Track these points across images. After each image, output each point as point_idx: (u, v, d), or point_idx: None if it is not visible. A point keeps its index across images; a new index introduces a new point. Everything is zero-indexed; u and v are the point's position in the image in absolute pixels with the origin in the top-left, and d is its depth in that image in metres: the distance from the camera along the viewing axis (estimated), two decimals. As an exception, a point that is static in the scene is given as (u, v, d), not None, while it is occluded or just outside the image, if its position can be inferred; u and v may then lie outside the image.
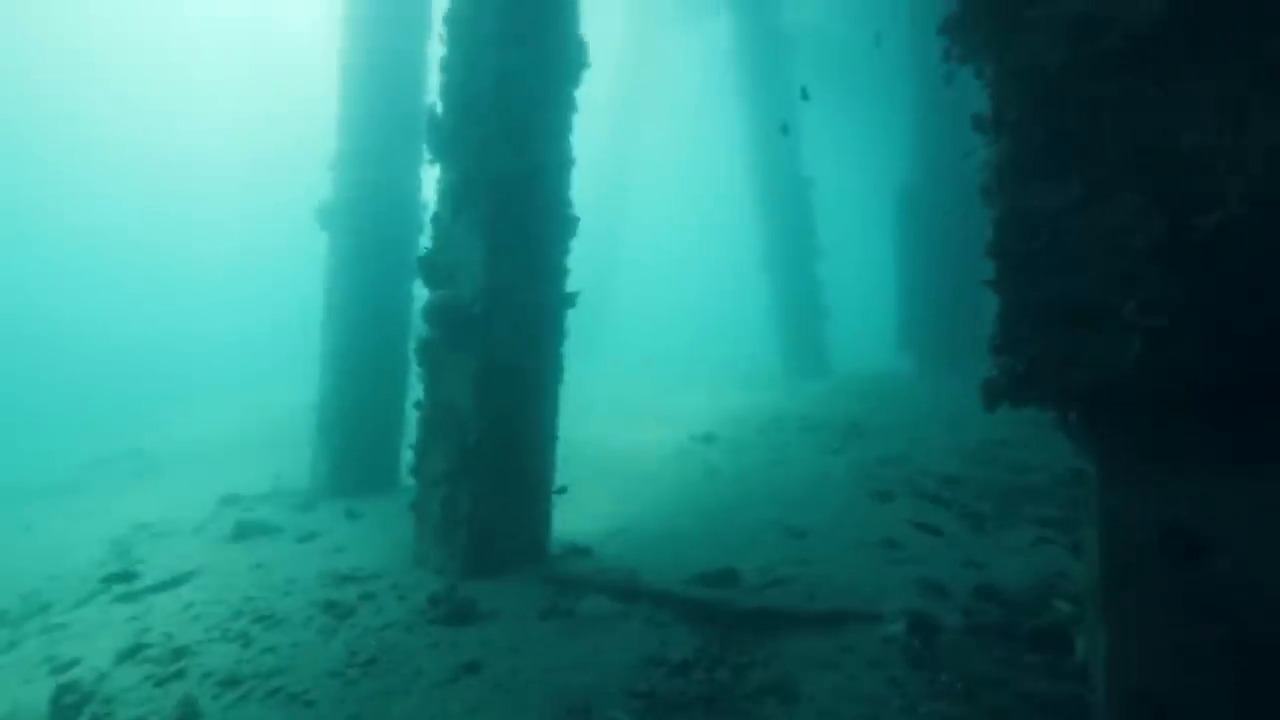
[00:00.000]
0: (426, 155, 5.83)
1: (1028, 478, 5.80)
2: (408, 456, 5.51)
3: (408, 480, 5.60)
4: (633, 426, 9.86)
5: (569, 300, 5.86)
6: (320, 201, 8.38)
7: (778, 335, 16.05)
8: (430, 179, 6.50)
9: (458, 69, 5.51)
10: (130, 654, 3.70)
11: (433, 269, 5.68)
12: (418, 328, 5.43)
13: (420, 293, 6.03)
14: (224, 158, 38.99)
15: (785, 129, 9.75)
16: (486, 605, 4.02)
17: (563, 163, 5.89)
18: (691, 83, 21.44)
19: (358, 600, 4.25)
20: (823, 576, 4.14)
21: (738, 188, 17.54)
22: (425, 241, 5.99)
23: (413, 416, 5.67)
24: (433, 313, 5.15)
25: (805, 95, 8.71)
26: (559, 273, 5.75)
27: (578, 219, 5.99)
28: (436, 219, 5.85)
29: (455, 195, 5.64)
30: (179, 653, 3.64)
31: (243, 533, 5.46)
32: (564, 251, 5.85)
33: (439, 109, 5.66)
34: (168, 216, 40.54)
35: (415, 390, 5.78)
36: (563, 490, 6.32)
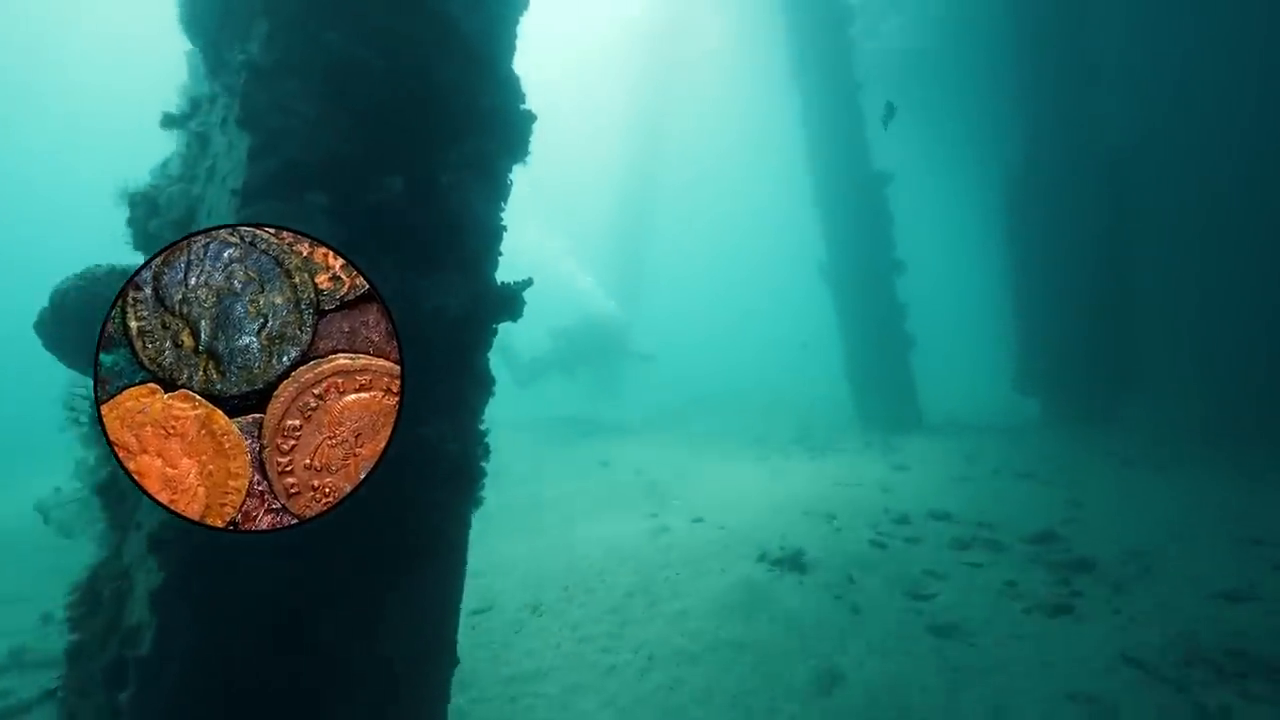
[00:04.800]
0: None
1: None
2: None
3: None
4: (659, 527, 6.17)
5: (506, 303, 2.39)
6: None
7: (847, 372, 12.31)
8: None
9: None
10: None
11: (147, 208, 2.31)
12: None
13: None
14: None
15: (890, 112, 6.42)
16: None
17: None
18: (734, 58, 18.16)
19: None
20: None
21: (793, 185, 14.12)
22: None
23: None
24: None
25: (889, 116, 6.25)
26: (467, 231, 2.27)
27: (531, 117, 2.59)
28: (193, 108, 2.52)
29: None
30: None
31: None
32: (490, 178, 2.41)
33: None
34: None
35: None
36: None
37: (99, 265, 2.28)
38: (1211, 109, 10.31)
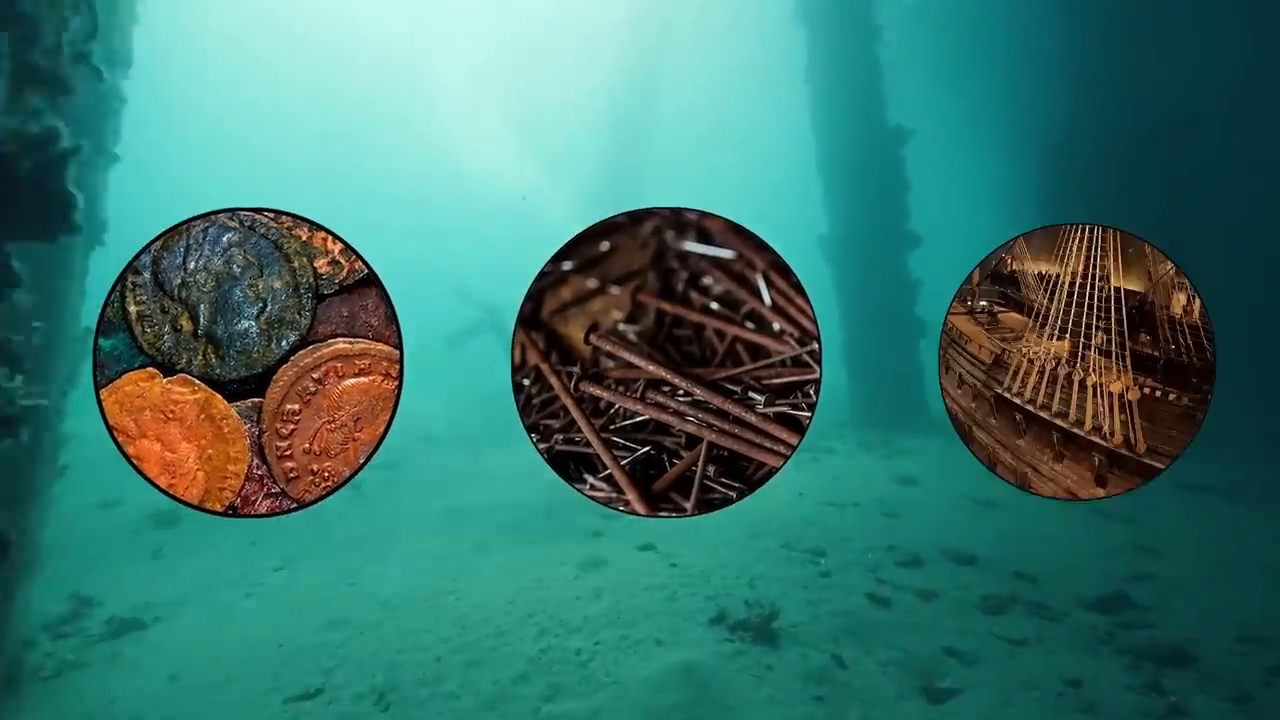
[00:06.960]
0: None
1: None
2: None
3: None
4: (593, 557, 4.76)
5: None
6: None
7: (845, 360, 10.86)
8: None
9: None
10: None
11: None
12: None
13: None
14: None
15: None
16: None
17: None
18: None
19: None
20: None
21: (790, 146, 12.46)
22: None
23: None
24: None
25: None
26: None
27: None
28: None
29: None
30: None
31: None
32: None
33: None
34: None
35: None
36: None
37: None
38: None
